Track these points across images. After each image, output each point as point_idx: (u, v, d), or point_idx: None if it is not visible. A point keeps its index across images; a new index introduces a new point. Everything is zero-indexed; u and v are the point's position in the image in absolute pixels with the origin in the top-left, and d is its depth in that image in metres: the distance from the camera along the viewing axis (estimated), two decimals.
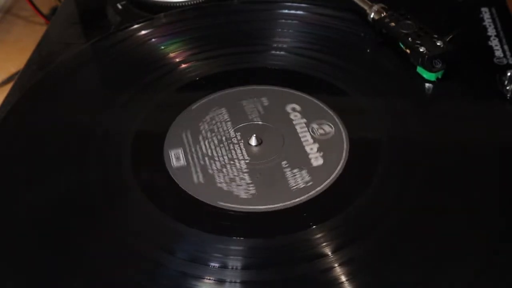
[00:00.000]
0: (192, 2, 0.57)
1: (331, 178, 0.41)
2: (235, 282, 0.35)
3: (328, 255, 0.36)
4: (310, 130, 0.44)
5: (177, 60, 0.52)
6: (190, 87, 0.49)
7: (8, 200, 0.41)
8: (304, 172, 0.41)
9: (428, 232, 0.37)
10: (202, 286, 0.35)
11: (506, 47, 0.50)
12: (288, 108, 0.46)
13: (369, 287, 0.35)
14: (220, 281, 0.35)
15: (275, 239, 0.38)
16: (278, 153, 0.43)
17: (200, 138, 0.45)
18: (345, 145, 0.43)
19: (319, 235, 0.37)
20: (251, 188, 0.41)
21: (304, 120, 0.45)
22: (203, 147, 0.44)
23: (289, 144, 0.44)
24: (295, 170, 0.42)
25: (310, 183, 0.40)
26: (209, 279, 0.35)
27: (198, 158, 0.43)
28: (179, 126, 0.46)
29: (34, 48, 0.55)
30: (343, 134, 0.44)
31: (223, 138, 0.44)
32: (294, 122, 0.45)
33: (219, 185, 0.41)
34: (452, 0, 0.56)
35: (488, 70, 0.47)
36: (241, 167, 0.42)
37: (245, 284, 0.35)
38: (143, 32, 0.54)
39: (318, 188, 0.40)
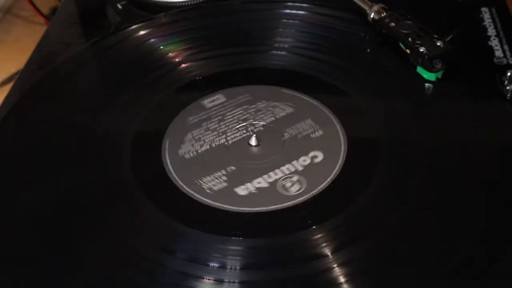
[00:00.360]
0: (192, 2, 0.57)
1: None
2: (234, 282, 0.35)
3: (327, 255, 0.36)
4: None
5: (177, 60, 0.52)
6: (190, 87, 0.49)
7: (8, 200, 0.41)
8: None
9: (428, 232, 0.37)
10: (202, 286, 0.35)
11: (506, 47, 0.50)
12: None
13: (369, 287, 0.35)
14: (220, 281, 0.35)
15: (274, 239, 0.38)
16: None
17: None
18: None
19: (318, 236, 0.37)
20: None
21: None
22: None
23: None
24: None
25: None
26: (209, 279, 0.35)
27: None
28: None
29: (34, 48, 0.55)
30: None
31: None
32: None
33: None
34: (452, 0, 0.56)
35: (488, 70, 0.47)
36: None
37: (245, 284, 0.35)
38: (143, 32, 0.54)
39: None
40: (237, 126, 0.45)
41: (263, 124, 0.45)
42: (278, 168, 0.42)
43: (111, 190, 0.41)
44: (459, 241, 0.36)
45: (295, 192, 0.40)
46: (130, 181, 0.41)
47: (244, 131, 0.45)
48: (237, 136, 0.44)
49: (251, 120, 0.46)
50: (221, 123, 0.46)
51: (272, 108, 0.47)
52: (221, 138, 0.44)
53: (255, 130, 0.45)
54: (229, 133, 0.45)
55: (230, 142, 0.44)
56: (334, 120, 0.45)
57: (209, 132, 0.45)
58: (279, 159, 0.42)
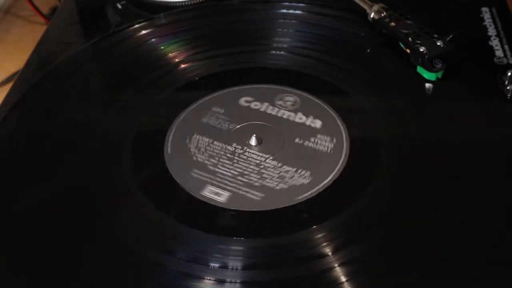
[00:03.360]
0: (192, 2, 0.57)
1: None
2: (235, 282, 0.35)
3: (328, 255, 0.36)
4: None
5: (177, 60, 0.52)
6: (190, 87, 0.49)
7: (8, 199, 0.41)
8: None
9: (428, 232, 0.37)
10: (202, 286, 0.35)
11: (506, 47, 0.50)
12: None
13: (369, 287, 0.35)
14: (220, 281, 0.35)
15: (274, 239, 0.37)
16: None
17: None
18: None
19: (318, 235, 0.37)
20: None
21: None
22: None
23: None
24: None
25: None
26: (209, 279, 0.35)
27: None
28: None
29: (34, 48, 0.55)
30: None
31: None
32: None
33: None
34: (452, 0, 0.56)
35: (488, 70, 0.47)
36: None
37: (245, 284, 0.35)
38: (143, 32, 0.54)
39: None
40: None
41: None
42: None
43: (111, 190, 0.41)
44: (459, 241, 0.36)
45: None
46: (130, 181, 0.41)
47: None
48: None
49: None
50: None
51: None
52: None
53: (255, 130, 0.45)
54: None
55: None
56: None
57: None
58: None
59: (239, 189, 0.41)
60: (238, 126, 0.45)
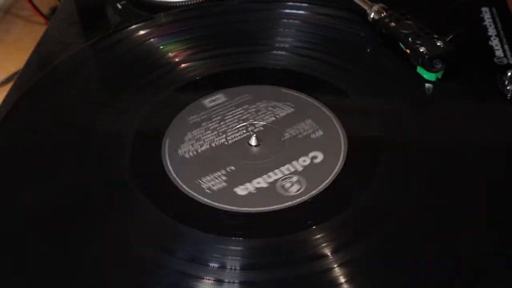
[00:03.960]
0: (192, 2, 0.57)
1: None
2: (234, 282, 0.35)
3: (327, 255, 0.36)
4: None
5: (177, 60, 0.52)
6: (190, 87, 0.49)
7: (8, 200, 0.41)
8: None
9: (428, 232, 0.37)
10: (202, 286, 0.35)
11: (506, 47, 0.50)
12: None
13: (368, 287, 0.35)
14: (220, 281, 0.35)
15: (274, 239, 0.37)
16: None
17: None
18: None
19: (318, 236, 0.37)
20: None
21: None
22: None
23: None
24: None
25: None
26: (209, 279, 0.35)
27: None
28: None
29: (34, 48, 0.55)
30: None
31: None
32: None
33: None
34: (452, 0, 0.56)
35: (488, 70, 0.47)
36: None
37: (245, 284, 0.35)
38: (142, 32, 0.54)
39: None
40: (237, 126, 0.45)
41: (263, 124, 0.45)
42: (278, 168, 0.42)
43: (111, 190, 0.41)
44: (459, 241, 0.36)
45: (295, 192, 0.40)
46: (130, 181, 0.41)
47: (244, 131, 0.45)
48: (237, 136, 0.44)
49: (251, 120, 0.46)
50: (221, 123, 0.46)
51: (272, 108, 0.47)
52: (221, 138, 0.44)
53: (255, 130, 0.45)
54: (229, 133, 0.45)
55: (230, 142, 0.44)
56: (334, 120, 0.45)
57: (209, 132, 0.45)
58: (279, 159, 0.42)
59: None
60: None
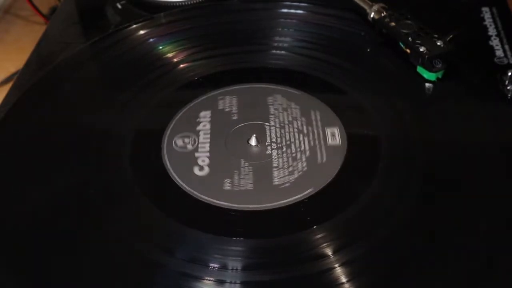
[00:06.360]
0: (192, 2, 0.57)
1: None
2: (234, 282, 0.35)
3: (327, 255, 0.36)
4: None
5: (177, 60, 0.52)
6: (190, 87, 0.49)
7: (8, 200, 0.41)
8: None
9: (428, 232, 0.37)
10: (202, 287, 0.35)
11: (506, 46, 0.50)
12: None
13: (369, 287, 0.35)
14: (220, 282, 0.35)
15: (274, 239, 0.37)
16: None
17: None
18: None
19: (318, 236, 0.37)
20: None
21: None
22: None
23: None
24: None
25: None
26: (209, 280, 0.35)
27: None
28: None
29: (34, 48, 0.55)
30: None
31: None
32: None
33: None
34: (452, 0, 0.56)
35: (488, 70, 0.47)
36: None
37: (245, 284, 0.35)
38: (142, 31, 0.54)
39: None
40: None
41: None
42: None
43: (111, 190, 0.41)
44: (459, 241, 0.36)
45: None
46: (130, 181, 0.41)
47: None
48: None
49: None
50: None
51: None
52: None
53: (255, 130, 0.45)
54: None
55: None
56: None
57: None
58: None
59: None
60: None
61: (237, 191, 0.40)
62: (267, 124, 0.45)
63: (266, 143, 0.44)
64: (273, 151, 0.43)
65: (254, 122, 0.45)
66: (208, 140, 0.44)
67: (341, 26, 0.53)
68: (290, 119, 0.45)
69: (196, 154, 0.43)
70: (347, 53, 0.51)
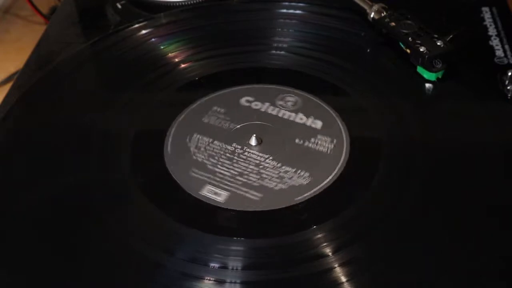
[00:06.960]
0: (192, 2, 0.57)
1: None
2: (234, 282, 0.35)
3: (328, 255, 0.36)
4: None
5: (177, 60, 0.52)
6: (190, 87, 0.49)
7: (8, 200, 0.41)
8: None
9: (428, 232, 0.37)
10: (202, 287, 0.35)
11: (507, 46, 0.50)
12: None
13: (369, 287, 0.35)
14: (220, 282, 0.35)
15: (274, 239, 0.37)
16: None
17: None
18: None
19: (318, 235, 0.37)
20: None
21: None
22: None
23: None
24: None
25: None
26: (209, 280, 0.35)
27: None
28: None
29: (34, 48, 0.55)
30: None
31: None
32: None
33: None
34: (452, 0, 0.56)
35: (488, 70, 0.47)
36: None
37: (245, 284, 0.35)
38: (142, 31, 0.54)
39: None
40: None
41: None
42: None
43: (111, 190, 0.41)
44: (459, 241, 0.36)
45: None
46: (130, 181, 0.41)
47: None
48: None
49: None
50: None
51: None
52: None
53: (255, 130, 0.45)
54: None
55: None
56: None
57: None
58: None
59: (238, 189, 0.40)
60: (238, 126, 0.45)
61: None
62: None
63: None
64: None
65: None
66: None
67: (341, 26, 0.53)
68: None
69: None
70: (347, 53, 0.51)
